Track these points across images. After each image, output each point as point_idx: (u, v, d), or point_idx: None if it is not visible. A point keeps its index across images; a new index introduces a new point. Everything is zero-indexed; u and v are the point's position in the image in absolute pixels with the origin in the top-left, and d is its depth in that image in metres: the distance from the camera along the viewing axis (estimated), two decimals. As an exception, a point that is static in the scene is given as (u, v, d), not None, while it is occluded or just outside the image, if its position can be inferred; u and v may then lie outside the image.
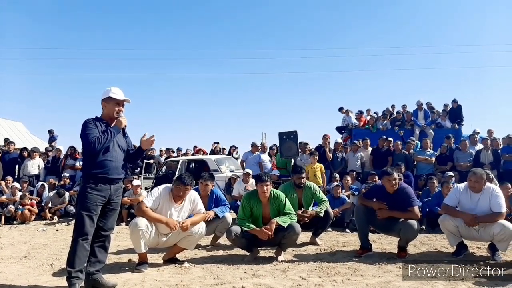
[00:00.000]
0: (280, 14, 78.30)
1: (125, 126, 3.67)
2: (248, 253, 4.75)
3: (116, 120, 3.62)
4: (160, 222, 4.20)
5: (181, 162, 10.54)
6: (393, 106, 13.48)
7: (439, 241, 5.80)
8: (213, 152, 12.36)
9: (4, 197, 9.40)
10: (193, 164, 10.96)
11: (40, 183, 10.03)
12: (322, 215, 5.49)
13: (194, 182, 4.70)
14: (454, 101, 12.20)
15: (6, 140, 11.72)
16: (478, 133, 10.86)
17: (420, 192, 7.93)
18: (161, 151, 12.72)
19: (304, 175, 5.69)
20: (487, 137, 10.01)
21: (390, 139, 10.09)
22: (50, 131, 12.99)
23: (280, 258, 4.62)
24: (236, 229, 4.66)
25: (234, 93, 73.30)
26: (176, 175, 9.92)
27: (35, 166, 10.77)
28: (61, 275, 3.96)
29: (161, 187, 4.45)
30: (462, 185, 4.82)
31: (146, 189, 9.67)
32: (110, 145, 3.53)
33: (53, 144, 12.42)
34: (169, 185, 4.51)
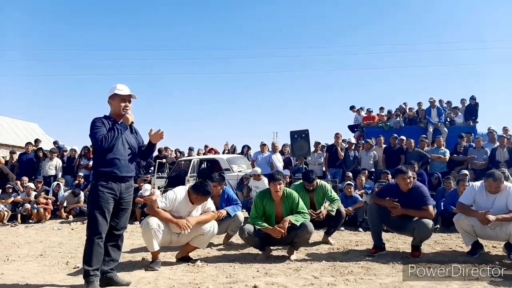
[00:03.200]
0: (291, 12, 78.13)
1: (132, 122, 3.65)
2: (260, 252, 4.76)
3: (123, 118, 3.61)
4: (170, 222, 4.23)
5: (193, 161, 10.59)
6: (405, 104, 13.35)
7: (453, 240, 5.73)
8: (230, 151, 12.38)
9: (19, 197, 9.61)
10: (205, 163, 11.00)
11: (55, 182, 10.20)
12: (334, 214, 5.46)
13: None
14: (472, 98, 12.03)
15: (28, 143, 11.99)
16: (493, 130, 10.70)
17: (434, 193, 7.82)
18: (171, 151, 12.76)
19: (314, 183, 5.58)
20: (503, 135, 9.84)
21: (402, 137, 10.01)
22: (55, 142, 13.21)
23: (292, 257, 4.61)
24: (249, 227, 4.67)
25: (245, 92, 73.42)
26: (189, 174, 10.01)
27: (52, 167, 10.97)
28: (77, 273, 4.03)
29: (178, 189, 4.46)
30: (478, 183, 4.75)
31: (159, 188, 9.75)
32: (119, 142, 3.52)
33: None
34: (184, 187, 4.55)
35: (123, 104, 3.59)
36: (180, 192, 4.39)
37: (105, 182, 3.47)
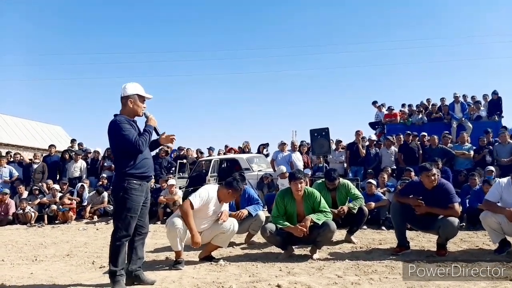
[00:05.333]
0: (308, 11, 77.67)
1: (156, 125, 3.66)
2: (282, 251, 4.75)
3: (148, 119, 3.61)
4: (190, 229, 4.14)
5: (213, 161, 10.66)
6: (428, 100, 13.11)
7: (480, 238, 5.60)
8: (243, 151, 12.42)
9: (45, 199, 9.88)
10: (225, 163, 11.05)
11: (79, 184, 10.41)
12: (355, 211, 5.39)
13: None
14: (494, 93, 11.74)
15: (51, 146, 12.33)
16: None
17: (459, 190, 7.65)
18: (191, 151, 12.82)
19: (336, 182, 5.52)
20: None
21: (423, 133, 9.86)
22: (80, 144, 13.49)
23: (315, 256, 4.58)
24: (271, 226, 4.66)
25: (264, 92, 73.37)
26: (209, 174, 10.07)
27: (76, 169, 11.20)
28: (103, 273, 4.11)
29: (209, 188, 4.51)
30: (505, 179, 4.63)
31: (180, 188, 9.84)
32: None
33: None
34: (214, 185, 4.63)
35: (143, 106, 3.60)
36: (212, 190, 4.45)
37: (138, 185, 3.47)
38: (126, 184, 3.44)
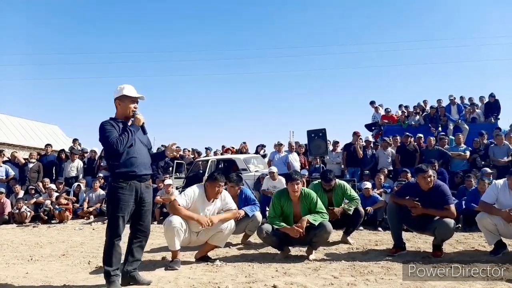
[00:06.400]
0: (306, 11, 77.78)
1: (144, 123, 3.64)
2: (279, 252, 4.75)
3: (134, 118, 3.59)
4: (191, 219, 4.27)
5: (210, 161, 10.65)
6: (425, 102, 13.16)
7: (476, 240, 5.62)
8: (240, 151, 12.42)
9: (41, 198, 9.85)
10: (222, 163, 11.05)
11: (76, 183, 10.38)
12: (350, 213, 5.40)
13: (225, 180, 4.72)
14: (491, 96, 11.80)
15: (47, 145, 12.29)
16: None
17: (455, 191, 7.67)
18: (188, 151, 12.82)
19: (332, 183, 5.54)
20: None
21: (419, 135, 9.90)
22: (79, 144, 13.46)
23: (311, 257, 4.58)
24: (267, 227, 4.66)
25: (262, 92, 73.41)
26: (206, 174, 10.06)
27: (73, 168, 11.16)
28: (98, 273, 4.08)
29: (195, 186, 4.53)
30: (501, 181, 4.65)
31: (177, 188, 9.83)
32: (133, 142, 3.51)
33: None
34: (202, 184, 4.61)
35: (132, 106, 3.59)
36: (197, 188, 4.47)
37: (125, 184, 3.46)
38: (114, 183, 3.47)
